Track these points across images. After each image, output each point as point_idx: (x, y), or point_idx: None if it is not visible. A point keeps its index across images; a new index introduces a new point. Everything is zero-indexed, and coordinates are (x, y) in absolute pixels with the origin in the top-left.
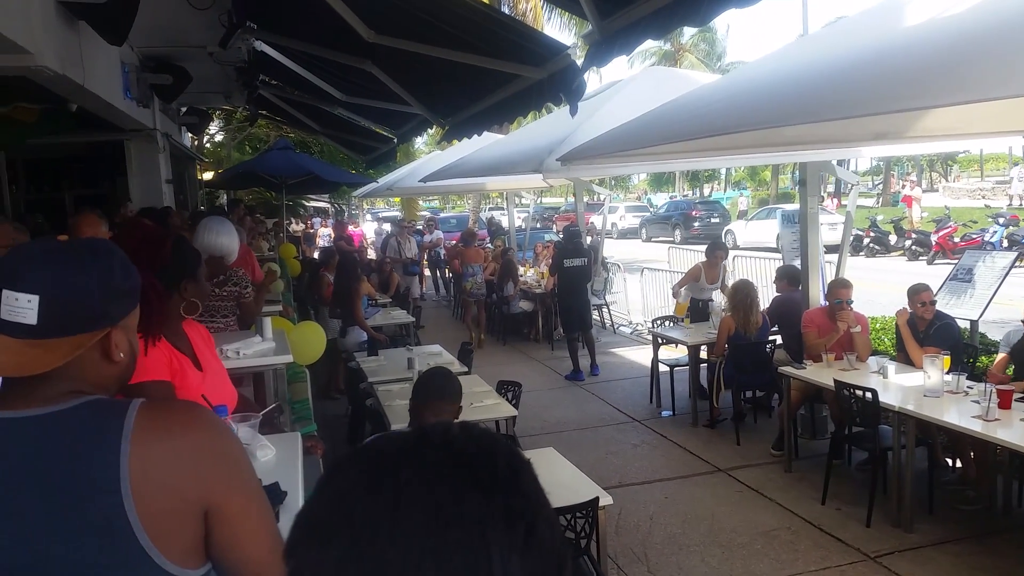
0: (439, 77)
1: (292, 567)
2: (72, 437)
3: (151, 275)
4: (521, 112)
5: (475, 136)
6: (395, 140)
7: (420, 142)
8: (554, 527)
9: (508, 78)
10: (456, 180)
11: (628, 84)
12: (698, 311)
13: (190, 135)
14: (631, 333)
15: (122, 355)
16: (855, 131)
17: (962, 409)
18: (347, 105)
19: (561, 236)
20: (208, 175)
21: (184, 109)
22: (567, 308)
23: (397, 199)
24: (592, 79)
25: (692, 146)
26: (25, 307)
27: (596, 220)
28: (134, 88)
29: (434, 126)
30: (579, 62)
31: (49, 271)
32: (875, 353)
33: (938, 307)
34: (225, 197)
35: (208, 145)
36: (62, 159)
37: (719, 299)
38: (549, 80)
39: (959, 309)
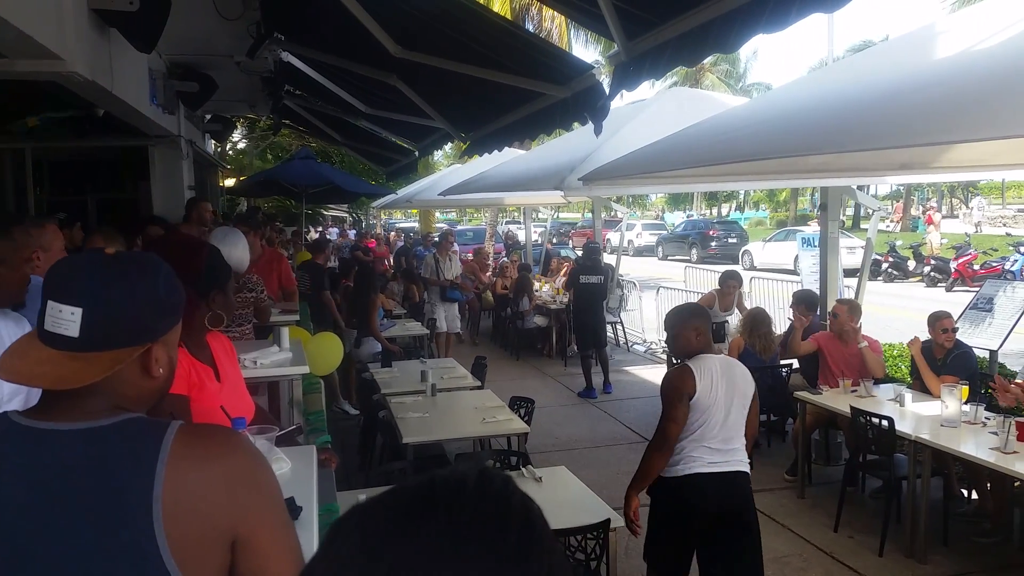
0: (463, 92)
1: None
2: (112, 455)
3: (183, 283)
4: (545, 130)
5: (498, 151)
6: (416, 153)
7: (439, 155)
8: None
9: (532, 95)
10: (475, 194)
11: (651, 104)
12: (712, 333)
13: (213, 142)
14: (645, 352)
15: (161, 370)
16: (881, 161)
17: (979, 440)
18: (370, 117)
19: (580, 252)
20: (230, 182)
21: (209, 116)
22: (582, 325)
23: (415, 211)
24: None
25: (715, 170)
26: (68, 319)
27: (613, 237)
28: (160, 95)
29: (455, 140)
30: (604, 81)
31: (94, 284)
32: (891, 380)
33: (958, 336)
34: (245, 205)
35: (231, 152)
36: (87, 163)
37: (734, 322)
38: (573, 99)
39: (979, 338)
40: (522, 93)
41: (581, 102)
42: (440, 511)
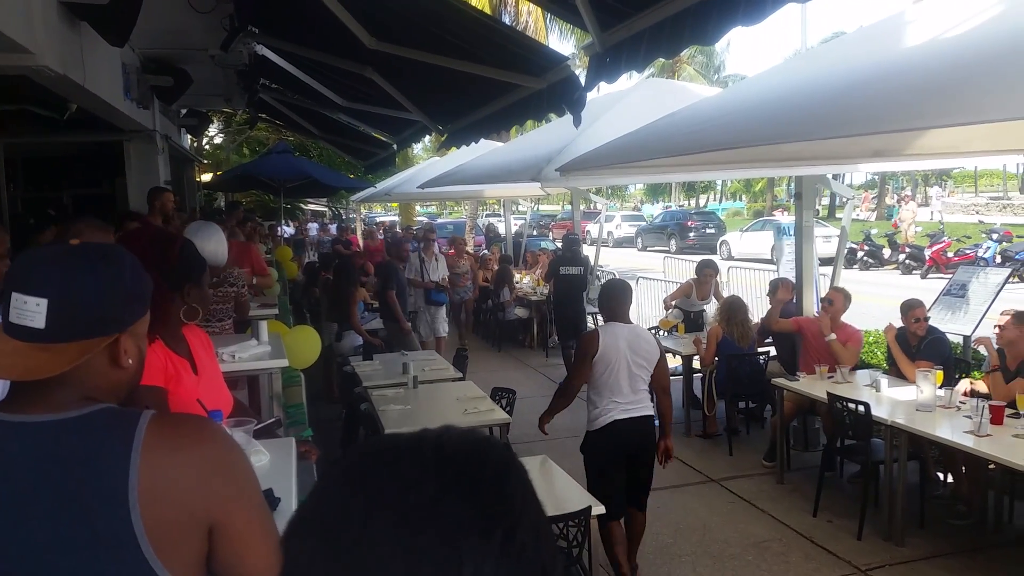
0: (439, 85)
1: (284, 557)
2: (84, 445)
3: (157, 276)
4: (520, 121)
5: (473, 143)
6: (394, 146)
7: (418, 148)
8: (540, 536)
9: (508, 87)
10: (454, 187)
11: (627, 95)
12: (690, 321)
13: (189, 137)
14: None
15: (131, 361)
16: (853, 148)
17: (954, 424)
18: (347, 110)
19: (564, 243)
20: (207, 177)
21: (184, 111)
22: (562, 316)
23: (395, 204)
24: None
25: (690, 160)
26: (33, 311)
27: (592, 228)
28: (134, 89)
29: (432, 132)
30: (579, 72)
31: (58, 275)
32: (867, 366)
33: (932, 322)
34: (223, 200)
35: (207, 147)
36: (61, 159)
37: (712, 311)
38: (549, 90)
39: (953, 324)
40: (498, 85)
41: (557, 93)
42: (426, 446)
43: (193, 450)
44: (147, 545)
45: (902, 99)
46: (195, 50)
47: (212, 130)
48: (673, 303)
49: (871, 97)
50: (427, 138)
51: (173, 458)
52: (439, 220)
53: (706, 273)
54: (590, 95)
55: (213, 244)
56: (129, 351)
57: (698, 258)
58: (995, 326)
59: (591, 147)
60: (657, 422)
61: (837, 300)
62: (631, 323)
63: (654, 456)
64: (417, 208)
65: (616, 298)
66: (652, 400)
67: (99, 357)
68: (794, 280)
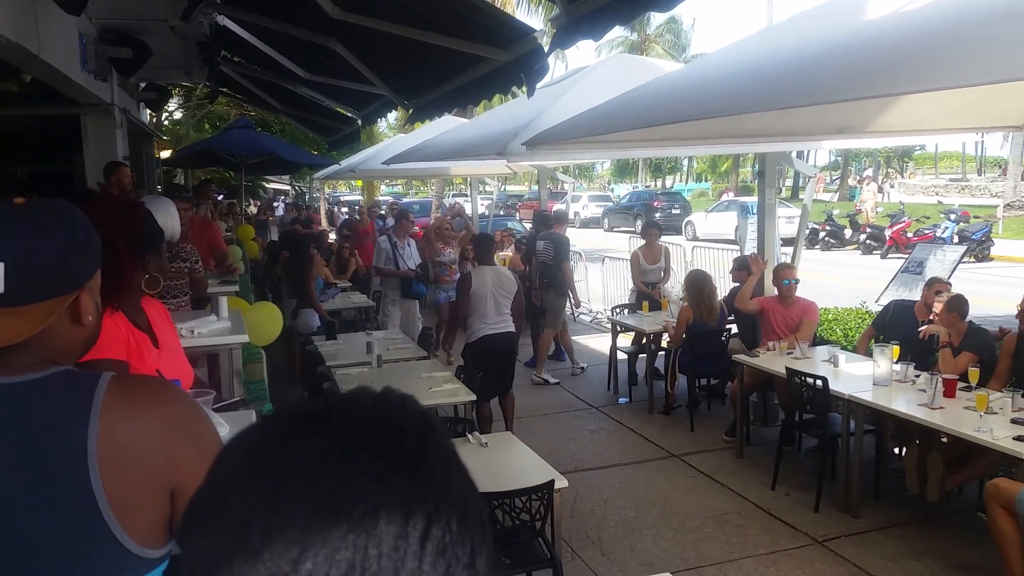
0: (404, 57)
1: (183, 551)
2: (44, 407)
3: (123, 243)
4: (486, 95)
5: (438, 118)
6: (359, 121)
7: (384, 126)
8: (467, 514)
9: (474, 60)
10: (420, 164)
11: (594, 70)
12: (647, 296)
13: (148, 111)
14: (591, 321)
15: (91, 318)
16: (816, 124)
17: (909, 398)
18: (310, 84)
19: (534, 221)
20: (166, 153)
21: (143, 84)
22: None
23: (359, 182)
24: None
25: (655, 134)
26: None
27: (559, 208)
28: (92, 61)
29: (398, 107)
30: (546, 46)
31: (12, 236)
32: (825, 343)
33: (890, 298)
34: (183, 176)
35: (167, 123)
36: (16, 133)
37: (677, 288)
38: (515, 63)
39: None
40: (465, 58)
41: (522, 66)
42: (332, 420)
43: (153, 411)
44: (107, 507)
45: (861, 71)
46: (154, 21)
47: (172, 105)
48: (640, 285)
49: (832, 68)
50: (393, 117)
51: (133, 420)
52: (404, 200)
53: (651, 233)
54: (557, 72)
55: (163, 217)
56: (88, 308)
57: (664, 239)
58: (932, 313)
59: (557, 122)
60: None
61: (793, 274)
62: (495, 264)
63: (515, 358)
64: (382, 188)
65: (484, 247)
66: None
67: (61, 317)
68: None
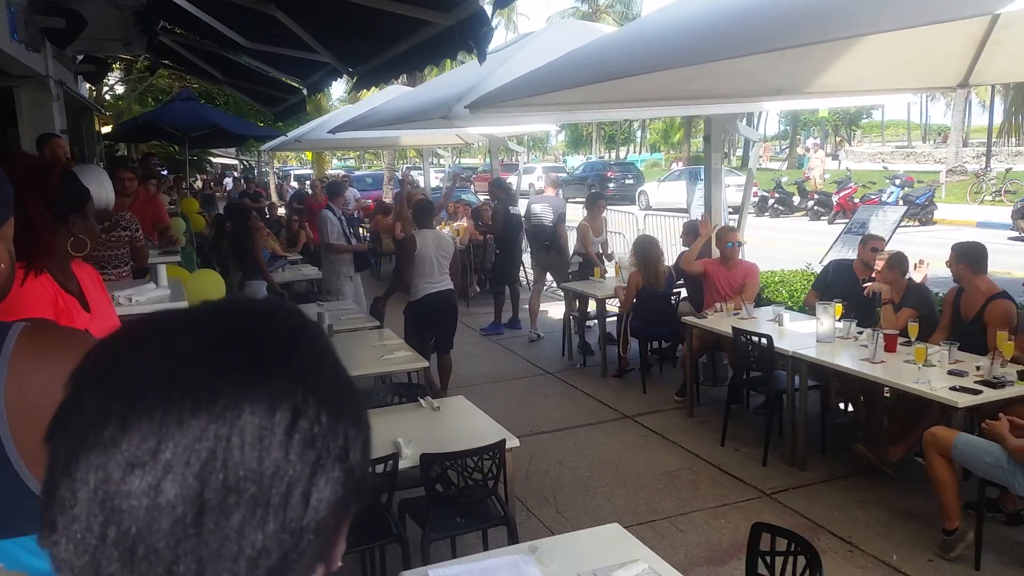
0: (346, 23)
1: (48, 455)
2: None
3: (39, 204)
4: (432, 60)
5: (384, 85)
6: (304, 91)
7: (335, 99)
8: (340, 411)
9: (416, 24)
10: (369, 134)
11: (540, 35)
12: (588, 266)
13: (88, 85)
14: (546, 290)
15: (3, 264)
16: (756, 86)
17: (852, 353)
18: (252, 52)
19: (493, 190)
20: (108, 129)
21: (81, 57)
22: (508, 260)
23: (309, 155)
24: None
25: (598, 95)
26: None
27: (512, 180)
28: (22, 31)
29: (343, 75)
30: (488, 9)
31: None
32: (772, 304)
33: (833, 258)
34: (126, 150)
35: (108, 97)
36: None
37: (624, 253)
38: (459, 27)
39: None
40: (406, 22)
41: (466, 30)
42: (200, 319)
43: (65, 362)
44: (17, 459)
45: (793, 20)
46: None
47: (112, 79)
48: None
49: (764, 19)
50: (343, 90)
51: (45, 371)
52: (356, 173)
53: (599, 204)
54: (504, 38)
55: (96, 186)
56: (0, 254)
57: (618, 210)
58: (870, 271)
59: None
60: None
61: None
62: (434, 228)
63: (455, 314)
64: (333, 162)
65: (425, 212)
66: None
67: None
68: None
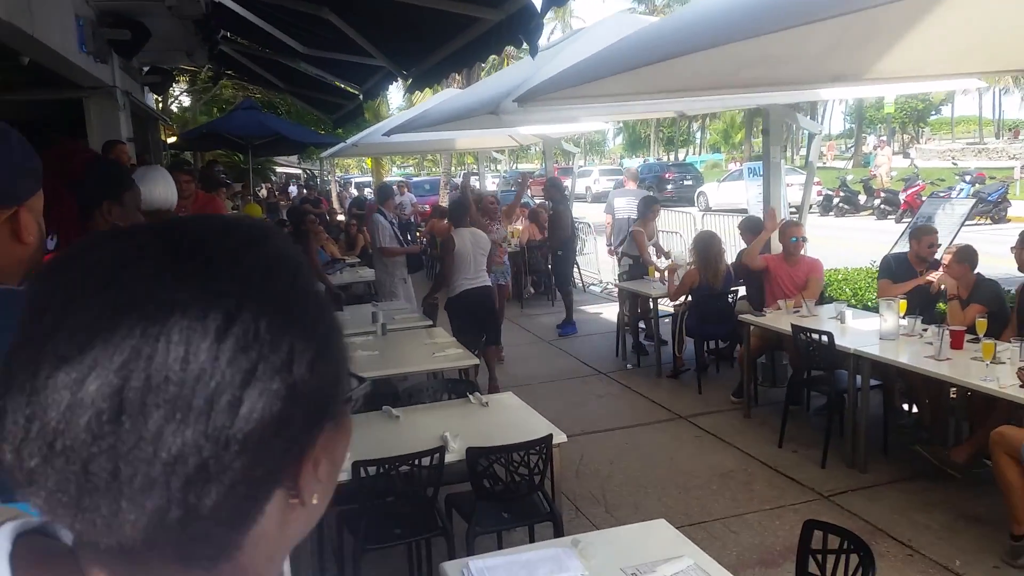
0: (397, 24)
1: None
2: None
3: (63, 190)
4: (481, 57)
5: (437, 85)
6: (360, 96)
7: (394, 107)
8: (287, 321)
9: (467, 22)
10: (423, 136)
11: (590, 31)
12: (639, 268)
13: (154, 96)
14: (601, 292)
15: (31, 237)
16: (815, 72)
17: (916, 351)
18: (309, 59)
19: (549, 191)
20: (173, 139)
21: (147, 68)
22: (568, 260)
23: (369, 162)
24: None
25: (650, 84)
26: None
27: (567, 183)
28: (90, 43)
29: (398, 79)
30: (536, 3)
31: None
32: (833, 301)
33: (899, 250)
34: (192, 159)
35: (175, 109)
36: (18, 120)
37: (683, 252)
38: (508, 21)
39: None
40: (456, 20)
41: (515, 24)
42: (153, 230)
43: None
44: None
45: None
46: (151, 1)
47: (178, 91)
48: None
49: None
50: (400, 98)
51: None
52: (415, 179)
53: (654, 209)
54: (554, 36)
55: (159, 186)
56: (29, 227)
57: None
58: (941, 264)
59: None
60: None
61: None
62: (471, 227)
63: (494, 308)
64: (393, 169)
65: (460, 212)
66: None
67: (0, 231)
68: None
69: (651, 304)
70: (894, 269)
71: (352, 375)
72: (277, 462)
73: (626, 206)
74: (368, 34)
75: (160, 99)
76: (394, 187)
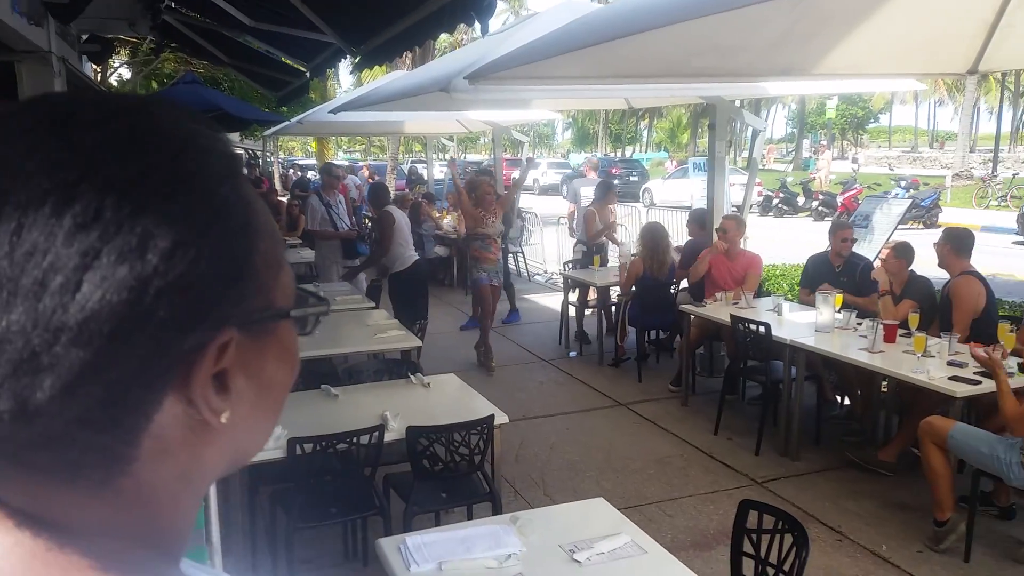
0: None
1: None
2: None
3: None
4: (433, 34)
5: (389, 68)
6: (307, 73)
7: (339, 91)
8: (139, 209)
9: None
10: (371, 116)
11: (544, 14)
12: (593, 255)
13: (93, 66)
14: (546, 281)
15: None
16: (763, 64)
17: (850, 343)
18: (255, 32)
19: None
20: None
21: (85, 37)
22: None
23: (314, 145)
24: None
25: (601, 67)
26: None
27: (516, 175)
28: (23, 3)
29: (347, 57)
30: None
31: None
32: (771, 295)
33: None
34: None
35: (114, 81)
36: None
37: (630, 243)
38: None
39: (858, 252)
40: None
41: (469, 1)
42: (37, 100)
43: None
44: None
45: None
46: None
47: (118, 62)
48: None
49: None
50: (349, 83)
51: None
52: (360, 164)
53: (609, 195)
54: (505, 20)
55: None
56: None
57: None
58: (879, 258)
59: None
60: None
61: (731, 227)
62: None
63: (426, 285)
64: (339, 154)
65: (382, 194)
66: None
67: None
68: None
69: (594, 293)
70: (810, 273)
71: (305, 291)
72: (142, 364)
73: (591, 195)
74: (318, 7)
75: (99, 70)
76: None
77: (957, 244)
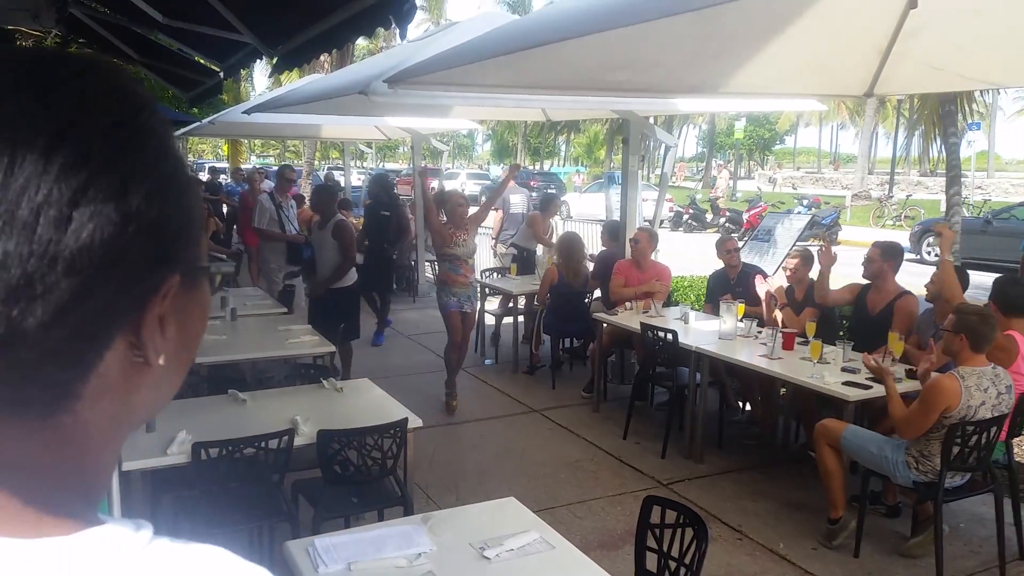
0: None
1: None
2: None
3: None
4: (351, 37)
5: (308, 71)
6: (220, 73)
7: (253, 94)
8: (120, 151)
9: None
10: (287, 119)
11: (465, 23)
12: (523, 260)
13: None
14: None
15: None
16: (674, 81)
17: (752, 350)
18: (168, 30)
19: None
20: None
21: None
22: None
23: (226, 148)
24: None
25: (521, 77)
26: None
27: (435, 185)
28: None
29: (263, 57)
30: None
31: None
32: (679, 304)
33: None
34: None
35: None
36: None
37: (543, 252)
38: (382, 3)
39: (760, 265)
40: None
41: (390, 5)
42: (40, 50)
43: None
44: None
45: None
46: None
47: None
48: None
49: None
50: (265, 86)
51: None
52: (274, 168)
53: (553, 207)
54: (425, 29)
55: None
56: None
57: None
58: (784, 268)
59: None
60: None
61: (643, 239)
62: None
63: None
64: (252, 158)
65: (330, 199)
66: None
67: None
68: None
69: (512, 302)
70: (712, 288)
71: (213, 255)
72: (113, 298)
73: (520, 202)
74: (234, 6)
75: None
76: (254, 174)
77: (896, 260)
